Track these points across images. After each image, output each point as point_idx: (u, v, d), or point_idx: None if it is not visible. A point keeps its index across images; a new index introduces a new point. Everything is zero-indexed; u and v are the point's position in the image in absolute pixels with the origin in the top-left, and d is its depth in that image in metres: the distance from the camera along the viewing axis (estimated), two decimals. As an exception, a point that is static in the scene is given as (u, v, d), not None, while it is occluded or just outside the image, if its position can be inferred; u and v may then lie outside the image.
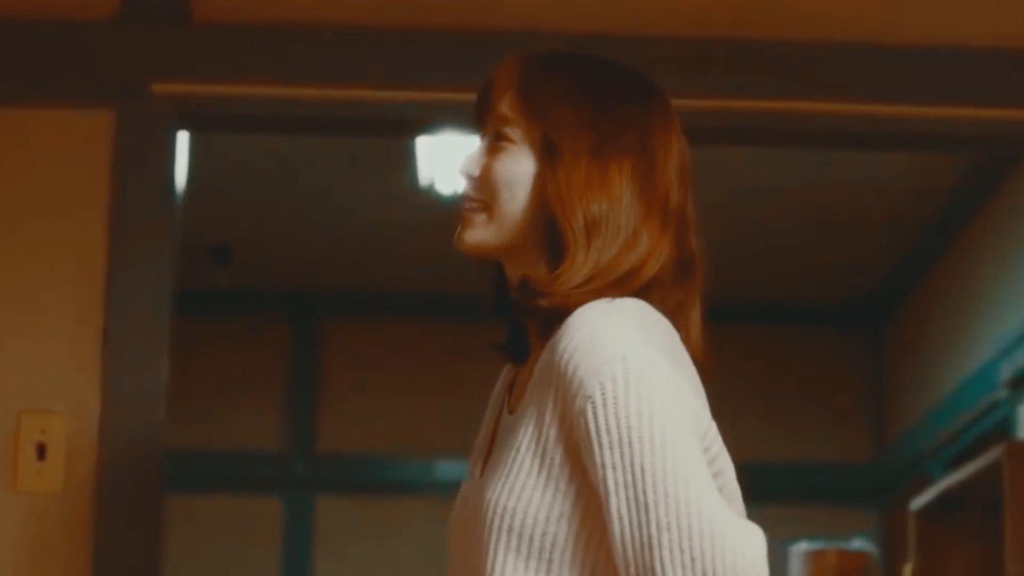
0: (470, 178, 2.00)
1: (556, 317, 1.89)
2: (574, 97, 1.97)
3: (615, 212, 1.92)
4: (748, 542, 1.74)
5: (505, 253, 1.99)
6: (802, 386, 7.93)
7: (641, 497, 1.75)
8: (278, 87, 3.24)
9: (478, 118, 2.04)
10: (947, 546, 4.93)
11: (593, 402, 1.78)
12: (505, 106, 1.98)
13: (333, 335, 8.00)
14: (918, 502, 5.01)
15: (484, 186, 1.98)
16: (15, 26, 3.22)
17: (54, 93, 3.21)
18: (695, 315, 1.98)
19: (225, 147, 5.97)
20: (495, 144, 1.99)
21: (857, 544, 5.68)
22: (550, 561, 1.82)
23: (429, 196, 6.03)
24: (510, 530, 1.83)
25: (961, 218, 6.57)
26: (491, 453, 2.00)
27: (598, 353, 1.80)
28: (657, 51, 3.19)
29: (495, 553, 1.84)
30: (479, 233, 1.98)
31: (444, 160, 5.78)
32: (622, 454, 1.76)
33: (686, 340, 1.93)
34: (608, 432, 1.77)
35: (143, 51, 3.22)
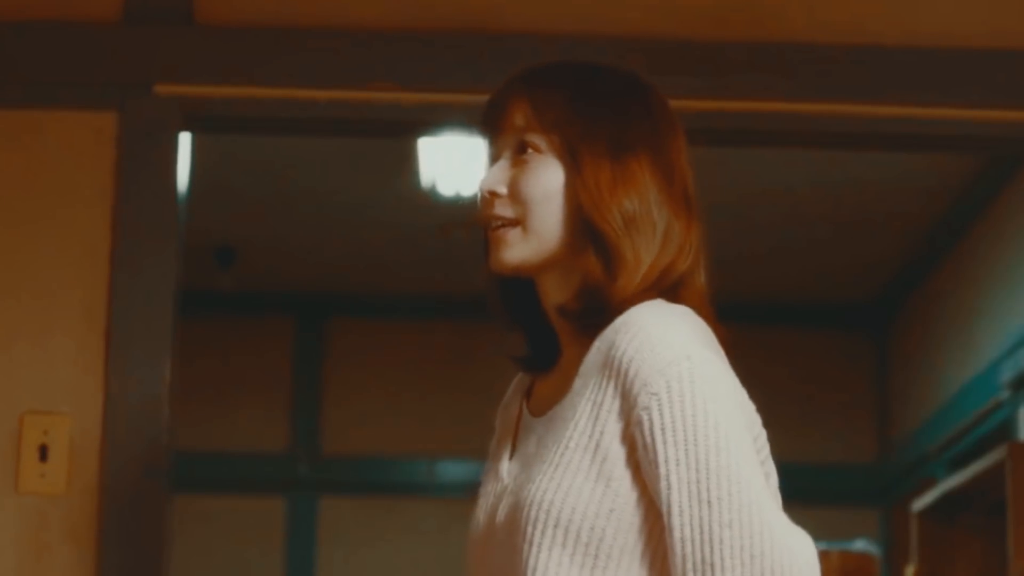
0: (495, 196, 1.96)
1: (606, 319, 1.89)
2: (584, 103, 1.96)
3: (646, 208, 1.92)
4: (803, 545, 1.78)
5: (545, 267, 1.97)
6: (806, 387, 7.93)
7: (704, 494, 1.77)
8: (281, 89, 3.24)
9: (490, 136, 2.01)
10: (950, 547, 4.93)
11: (659, 399, 1.81)
12: (521, 118, 1.96)
13: (337, 336, 8.00)
14: (921, 503, 5.01)
15: (516, 202, 1.95)
16: (19, 28, 3.22)
17: (58, 95, 3.21)
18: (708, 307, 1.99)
19: (228, 148, 5.98)
20: (519, 157, 1.97)
21: (860, 545, 5.67)
22: (596, 556, 1.83)
23: (431, 197, 6.04)
24: (556, 525, 1.83)
25: (966, 220, 6.56)
26: (514, 457, 1.99)
27: (662, 352, 1.82)
28: (660, 53, 3.20)
29: (539, 549, 1.83)
30: (519, 250, 1.95)
31: (446, 161, 5.78)
32: (687, 451, 1.79)
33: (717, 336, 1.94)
34: (673, 429, 1.80)
35: (147, 53, 3.22)
